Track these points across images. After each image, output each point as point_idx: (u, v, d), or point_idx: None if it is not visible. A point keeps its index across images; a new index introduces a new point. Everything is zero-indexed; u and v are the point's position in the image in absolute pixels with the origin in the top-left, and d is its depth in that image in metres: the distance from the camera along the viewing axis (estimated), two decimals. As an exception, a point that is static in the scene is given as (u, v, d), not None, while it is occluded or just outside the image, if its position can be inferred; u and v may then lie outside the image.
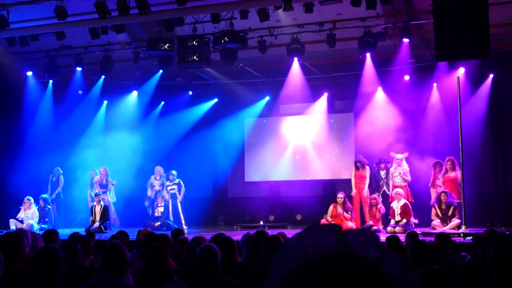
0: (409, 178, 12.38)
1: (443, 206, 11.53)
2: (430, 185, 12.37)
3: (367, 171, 12.73)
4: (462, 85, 10.95)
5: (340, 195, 12.13)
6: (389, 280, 0.85)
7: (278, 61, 14.05)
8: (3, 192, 13.95)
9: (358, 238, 0.88)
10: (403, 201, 11.67)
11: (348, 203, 12.21)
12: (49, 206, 13.48)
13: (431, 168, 12.49)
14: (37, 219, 12.89)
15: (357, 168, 12.80)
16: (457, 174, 11.64)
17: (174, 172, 14.02)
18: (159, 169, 14.39)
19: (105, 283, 3.66)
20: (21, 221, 12.68)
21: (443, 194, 11.50)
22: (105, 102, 15.68)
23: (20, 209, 12.92)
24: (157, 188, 14.24)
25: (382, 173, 12.72)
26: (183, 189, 13.89)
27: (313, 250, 0.87)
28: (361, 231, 0.91)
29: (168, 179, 14.07)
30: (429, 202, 12.08)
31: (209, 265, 4.22)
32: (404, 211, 11.51)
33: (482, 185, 13.29)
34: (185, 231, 10.33)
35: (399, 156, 12.41)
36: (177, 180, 13.96)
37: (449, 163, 11.92)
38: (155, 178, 14.38)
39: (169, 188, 13.94)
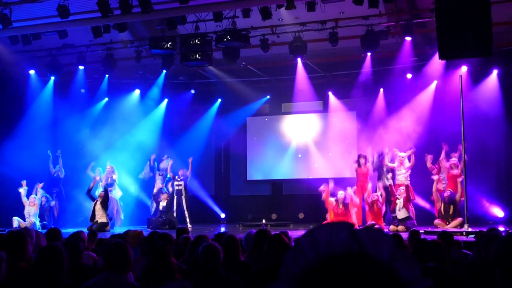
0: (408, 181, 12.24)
1: (446, 204, 11.53)
2: (429, 167, 12.24)
3: (370, 168, 12.67)
4: (464, 83, 10.92)
5: (341, 192, 12.12)
6: (401, 281, 0.84)
7: (281, 60, 14.03)
8: (4, 191, 13.96)
9: (370, 237, 0.87)
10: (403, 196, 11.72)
11: (349, 201, 12.19)
12: (51, 204, 13.49)
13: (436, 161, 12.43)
14: (37, 215, 12.93)
15: (359, 165, 12.74)
16: (460, 172, 11.61)
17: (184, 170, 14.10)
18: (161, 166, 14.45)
19: (108, 282, 3.67)
20: (22, 216, 12.73)
21: (447, 191, 11.53)
22: (106, 99, 15.67)
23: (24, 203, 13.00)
24: (159, 185, 14.27)
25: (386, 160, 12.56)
26: (186, 189, 13.96)
27: (325, 248, 0.86)
28: (374, 230, 0.90)
29: (176, 175, 14.08)
30: (429, 200, 12.08)
31: (211, 264, 4.22)
32: (407, 199, 11.57)
33: (484, 183, 13.26)
34: (190, 229, 10.30)
35: (402, 154, 12.32)
36: (181, 182, 14.00)
37: (453, 160, 11.89)
38: (159, 174, 14.43)
39: (176, 183, 13.98)
